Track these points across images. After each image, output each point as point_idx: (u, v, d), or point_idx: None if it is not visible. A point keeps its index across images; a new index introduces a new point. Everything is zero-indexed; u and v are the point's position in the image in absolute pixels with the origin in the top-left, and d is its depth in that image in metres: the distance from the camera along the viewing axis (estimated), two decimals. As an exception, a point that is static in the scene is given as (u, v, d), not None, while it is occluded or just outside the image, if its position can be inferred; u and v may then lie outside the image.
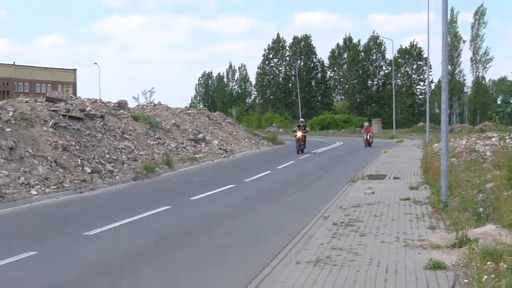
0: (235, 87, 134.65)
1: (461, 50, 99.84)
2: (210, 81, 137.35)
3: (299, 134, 39.12)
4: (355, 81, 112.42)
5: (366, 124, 51.43)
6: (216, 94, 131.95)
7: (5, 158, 20.60)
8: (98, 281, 9.57)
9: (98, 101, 33.77)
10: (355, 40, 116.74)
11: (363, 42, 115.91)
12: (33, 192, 19.33)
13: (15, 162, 20.79)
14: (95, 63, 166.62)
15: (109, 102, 35.10)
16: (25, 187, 19.44)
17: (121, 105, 35.53)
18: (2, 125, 22.44)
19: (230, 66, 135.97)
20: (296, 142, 39.39)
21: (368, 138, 47.47)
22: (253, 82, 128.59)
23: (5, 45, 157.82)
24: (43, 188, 19.90)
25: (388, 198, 17.55)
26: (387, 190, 19.49)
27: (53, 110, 26.61)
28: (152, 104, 46.31)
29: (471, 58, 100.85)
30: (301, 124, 40.85)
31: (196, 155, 34.20)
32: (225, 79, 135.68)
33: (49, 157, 22.39)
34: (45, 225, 15.35)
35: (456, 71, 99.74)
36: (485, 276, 7.58)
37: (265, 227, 14.38)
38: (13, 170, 20.10)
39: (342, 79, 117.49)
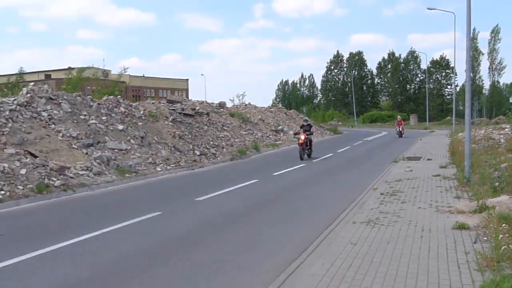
0: (305, 91, 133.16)
1: (480, 61, 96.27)
2: (286, 87, 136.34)
3: (302, 137, 24.28)
4: (397, 85, 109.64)
5: (399, 117, 47.33)
6: (291, 97, 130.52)
7: (138, 144, 21.17)
8: (207, 233, 9.75)
9: (204, 102, 34.28)
10: (397, 54, 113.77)
11: (403, 55, 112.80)
12: (158, 169, 19.79)
13: (145, 147, 21.33)
14: (202, 75, 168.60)
15: (212, 103, 35.49)
16: (152, 165, 19.91)
17: (221, 105, 35.91)
18: (135, 120, 23.06)
19: (302, 75, 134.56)
20: (299, 146, 24.53)
21: (400, 130, 43.68)
22: (319, 87, 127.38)
23: (136, 62, 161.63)
24: (165, 166, 20.33)
25: (423, 174, 17.12)
26: (422, 168, 19.00)
27: (172, 109, 27.15)
28: (244, 104, 46.59)
29: (488, 67, 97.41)
30: (305, 124, 26.07)
31: (276, 142, 34.28)
32: (298, 85, 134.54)
33: (169, 143, 22.85)
34: (167, 192, 15.68)
35: (477, 77, 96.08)
36: (501, 235, 7.34)
37: (329, 195, 14.33)
38: (144, 153, 20.63)
39: (387, 84, 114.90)
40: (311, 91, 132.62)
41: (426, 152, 26.52)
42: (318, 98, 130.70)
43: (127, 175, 17.89)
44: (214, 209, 12.33)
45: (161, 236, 9.54)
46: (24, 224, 11.40)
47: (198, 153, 23.63)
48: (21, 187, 13.96)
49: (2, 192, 13.33)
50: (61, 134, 18.43)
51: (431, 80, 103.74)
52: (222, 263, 7.66)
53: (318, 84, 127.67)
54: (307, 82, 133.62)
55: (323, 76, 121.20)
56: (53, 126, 18.73)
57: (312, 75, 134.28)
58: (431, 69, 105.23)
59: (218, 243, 8.88)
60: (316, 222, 10.48)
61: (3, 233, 9.91)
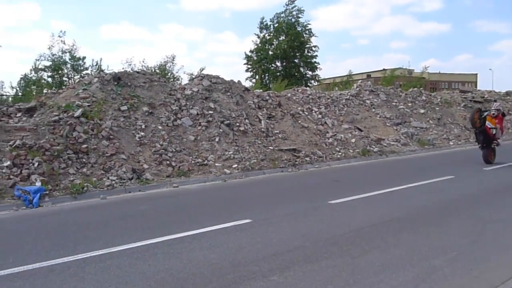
0: None
1: None
2: None
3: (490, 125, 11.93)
4: None
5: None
6: None
7: (435, 124, 19.59)
8: (492, 196, 8.26)
9: (492, 92, 29.43)
10: None
11: None
12: (451, 143, 17.99)
13: (441, 126, 19.60)
14: (490, 69, 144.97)
15: (500, 91, 30.22)
16: (446, 140, 18.21)
17: (508, 93, 30.22)
18: (433, 106, 21.29)
19: None
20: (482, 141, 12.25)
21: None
22: None
23: (434, 62, 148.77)
24: (456, 141, 18.34)
25: None
26: None
27: (464, 97, 24.18)
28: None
29: None
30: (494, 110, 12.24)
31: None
32: None
33: (460, 124, 20.46)
34: (458, 161, 13.72)
35: None
36: None
37: None
38: (440, 130, 18.99)
39: None
40: None
41: None
42: None
43: (426, 146, 16.79)
44: (498, 178, 10.38)
45: (454, 195, 8.49)
46: (354, 174, 11.68)
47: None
48: (351, 151, 14.50)
49: (339, 153, 14.08)
50: (378, 116, 18.35)
51: None
52: (505, 221, 6.43)
53: None
54: None
55: None
56: (373, 110, 18.77)
57: None
58: None
59: (500, 205, 7.49)
60: None
61: (340, 180, 10.44)
